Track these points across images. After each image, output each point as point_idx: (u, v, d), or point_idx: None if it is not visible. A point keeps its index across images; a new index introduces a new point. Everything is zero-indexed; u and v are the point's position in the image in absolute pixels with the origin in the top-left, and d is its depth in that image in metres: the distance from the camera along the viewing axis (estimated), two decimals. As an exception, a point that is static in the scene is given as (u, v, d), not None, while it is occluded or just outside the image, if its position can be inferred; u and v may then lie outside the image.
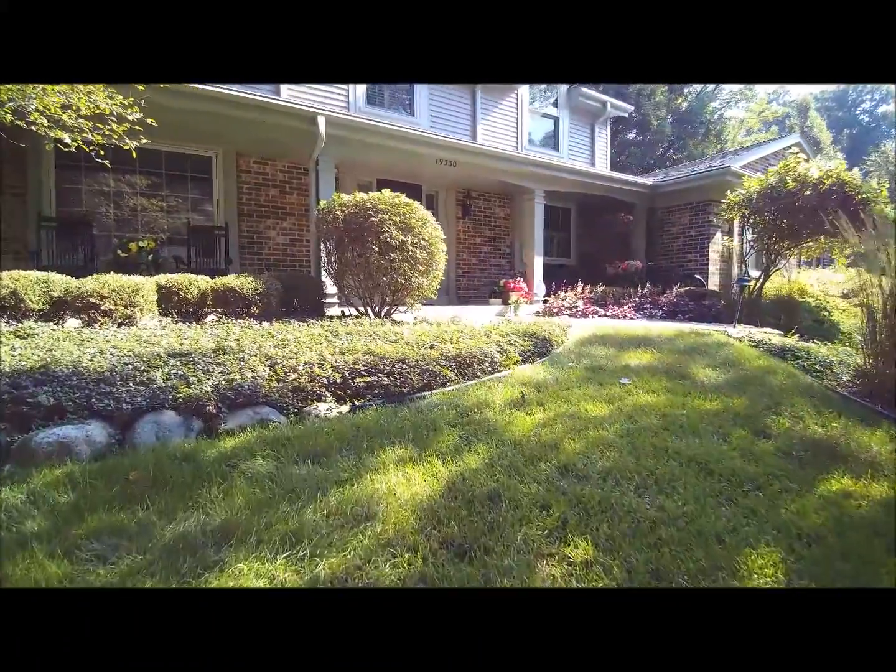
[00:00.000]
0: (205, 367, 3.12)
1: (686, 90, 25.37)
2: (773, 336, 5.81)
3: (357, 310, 6.26)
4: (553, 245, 11.40)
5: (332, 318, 5.81)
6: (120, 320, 4.77)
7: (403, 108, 9.67)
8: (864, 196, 7.18)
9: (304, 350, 3.69)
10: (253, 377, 3.07)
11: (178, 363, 3.16)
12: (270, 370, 3.22)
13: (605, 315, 8.19)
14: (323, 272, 6.37)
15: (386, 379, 3.23)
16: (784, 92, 39.81)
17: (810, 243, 8.25)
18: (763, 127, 31.49)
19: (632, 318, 7.97)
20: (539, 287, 9.50)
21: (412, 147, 7.60)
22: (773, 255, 8.52)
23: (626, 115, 14.01)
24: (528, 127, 11.34)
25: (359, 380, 3.20)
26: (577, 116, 12.33)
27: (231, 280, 5.38)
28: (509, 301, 8.83)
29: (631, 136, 25.45)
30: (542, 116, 11.81)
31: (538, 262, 9.54)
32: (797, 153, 8.83)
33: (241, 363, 3.27)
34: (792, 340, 5.44)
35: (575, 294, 9.07)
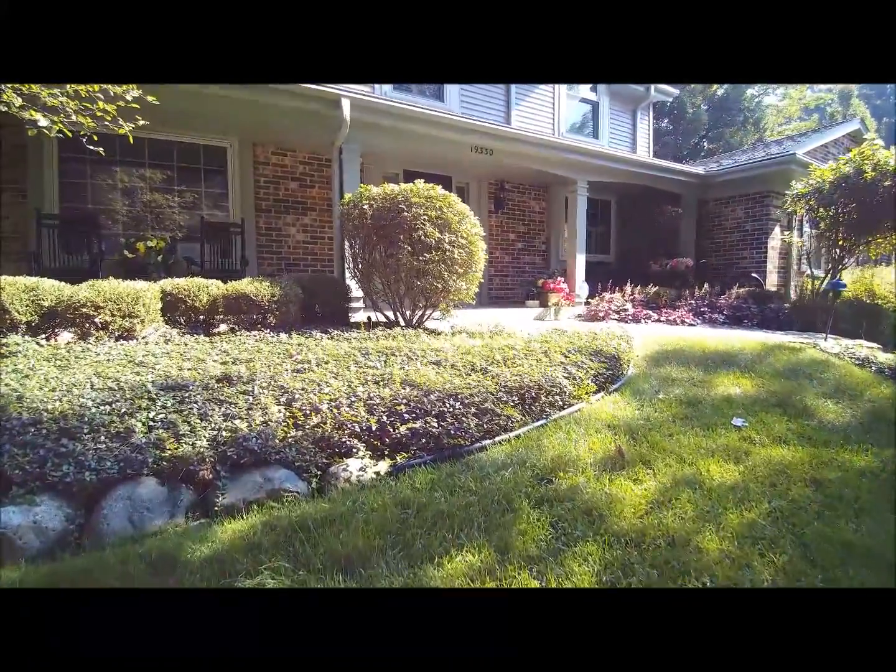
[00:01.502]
0: (202, 408, 2.40)
1: (723, 76, 23.97)
2: (875, 352, 4.91)
3: (385, 315, 5.52)
4: (591, 241, 10.47)
5: (358, 326, 5.09)
6: (118, 333, 4.13)
7: (432, 93, 8.87)
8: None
9: (328, 378, 2.96)
10: (263, 422, 2.35)
11: (170, 402, 2.45)
12: (286, 410, 2.49)
13: (659, 320, 7.29)
14: (347, 273, 5.64)
15: (435, 425, 2.45)
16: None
17: (880, 240, 7.36)
18: (804, 115, 29.72)
19: (691, 325, 7.08)
20: (581, 288, 8.63)
21: (446, 133, 6.81)
22: (840, 252, 7.59)
23: (670, 99, 12.97)
24: (565, 113, 10.42)
25: (400, 426, 2.43)
26: (618, 101, 11.34)
27: (245, 286, 4.69)
28: (549, 303, 8.00)
29: (664, 124, 24.19)
30: (580, 101, 10.88)
31: (580, 261, 8.67)
32: (873, 139, 7.84)
33: (250, 399, 2.56)
34: (904, 357, 4.56)
35: (622, 295, 8.17)
